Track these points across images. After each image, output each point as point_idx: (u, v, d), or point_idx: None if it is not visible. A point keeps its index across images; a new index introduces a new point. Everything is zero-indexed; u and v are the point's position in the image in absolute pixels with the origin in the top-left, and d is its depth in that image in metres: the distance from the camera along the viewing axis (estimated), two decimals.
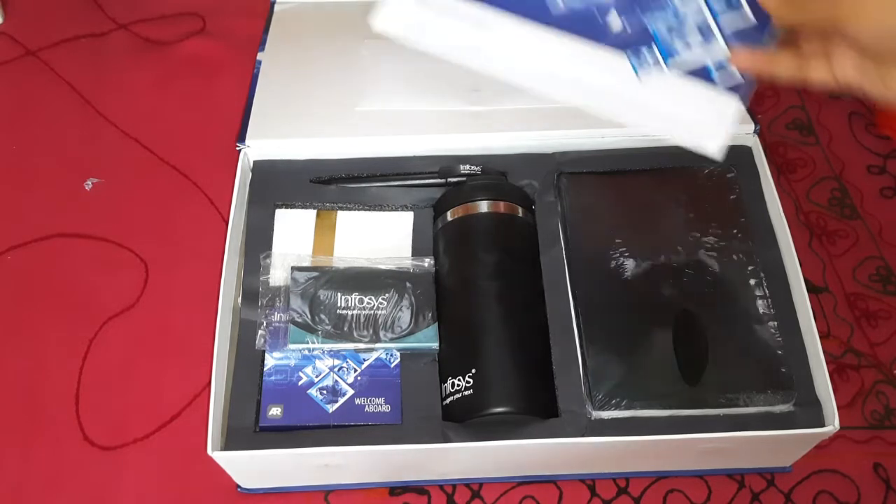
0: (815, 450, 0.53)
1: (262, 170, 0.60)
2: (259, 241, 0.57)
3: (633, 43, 0.42)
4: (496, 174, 0.59)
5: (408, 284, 0.53)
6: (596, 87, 0.43)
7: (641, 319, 0.53)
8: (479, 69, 0.44)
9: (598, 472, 0.56)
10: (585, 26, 0.43)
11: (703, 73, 0.42)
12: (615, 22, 0.42)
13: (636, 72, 0.42)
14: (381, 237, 0.57)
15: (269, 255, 0.55)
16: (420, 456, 0.50)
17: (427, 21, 0.44)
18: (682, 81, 0.43)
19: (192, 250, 0.64)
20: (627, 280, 0.54)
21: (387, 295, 0.53)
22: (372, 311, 0.53)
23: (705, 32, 0.42)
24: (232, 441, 0.49)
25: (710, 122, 0.43)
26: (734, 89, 0.43)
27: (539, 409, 0.50)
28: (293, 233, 0.57)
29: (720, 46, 0.42)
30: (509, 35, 0.43)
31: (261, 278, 0.55)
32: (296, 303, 0.53)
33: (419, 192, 0.59)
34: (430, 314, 0.53)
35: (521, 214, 0.56)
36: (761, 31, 0.42)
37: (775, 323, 0.53)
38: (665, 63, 0.42)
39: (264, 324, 0.53)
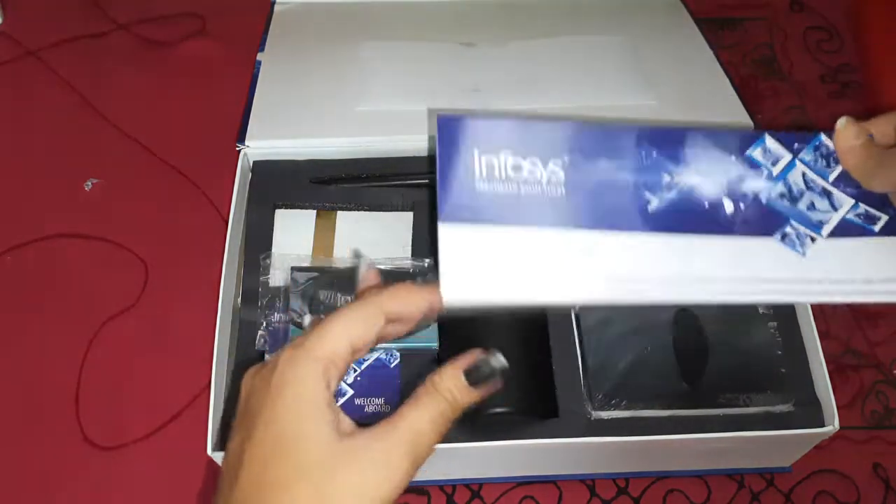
0: (815, 450, 0.53)
1: (262, 170, 0.60)
2: (259, 241, 0.57)
3: (762, 223, 0.36)
4: None
5: None
6: (769, 278, 0.36)
7: (641, 319, 0.53)
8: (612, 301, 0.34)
9: (598, 472, 0.56)
10: (695, 214, 0.36)
11: (851, 227, 0.37)
12: (728, 204, 0.36)
13: (801, 251, 0.36)
14: (381, 237, 0.57)
15: (268, 256, 0.55)
16: None
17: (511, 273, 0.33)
18: (842, 243, 0.37)
19: (192, 250, 0.64)
20: None
21: None
22: None
23: (819, 191, 0.37)
24: None
25: None
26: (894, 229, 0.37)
27: (539, 409, 0.50)
28: (293, 233, 0.57)
29: (844, 198, 0.37)
30: (638, 251, 0.34)
31: (260, 279, 0.55)
32: (296, 303, 0.53)
33: (419, 192, 0.59)
34: None
35: None
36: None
37: (775, 323, 0.53)
38: (818, 233, 0.37)
39: (264, 324, 0.53)
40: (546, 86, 0.65)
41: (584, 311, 0.53)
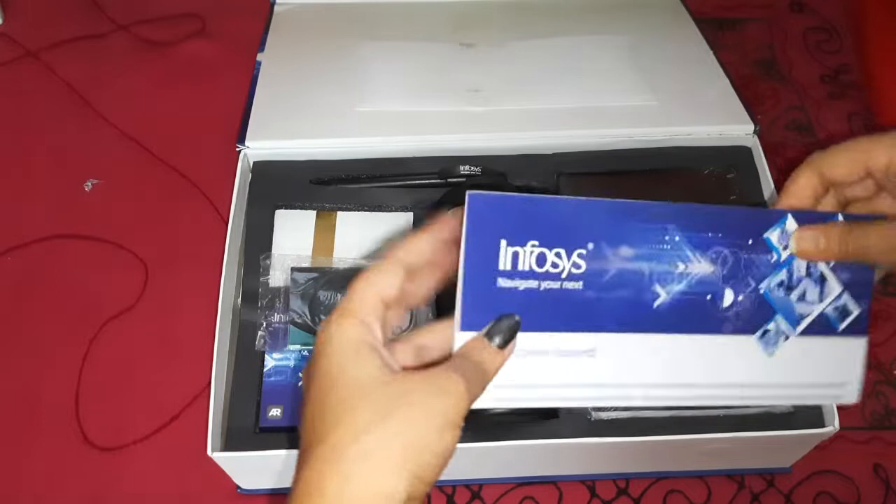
0: (815, 450, 0.53)
1: (262, 170, 0.60)
2: (259, 241, 0.57)
3: (751, 318, 0.38)
4: (496, 175, 0.59)
5: None
6: (739, 382, 0.38)
7: None
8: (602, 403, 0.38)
9: (598, 472, 0.56)
10: (693, 311, 0.37)
11: (822, 323, 0.39)
12: (728, 296, 0.38)
13: (771, 352, 0.39)
14: (381, 237, 0.57)
15: (268, 256, 0.55)
16: None
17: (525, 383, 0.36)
18: (807, 342, 0.39)
19: (192, 251, 0.64)
20: None
21: None
22: None
23: (816, 277, 0.39)
24: (232, 441, 0.49)
25: (840, 374, 0.39)
26: (855, 328, 0.40)
27: (539, 409, 0.50)
28: (293, 233, 0.57)
29: (834, 286, 0.39)
30: (627, 356, 0.37)
31: (260, 279, 0.55)
32: (295, 303, 0.53)
33: (419, 192, 0.59)
34: (428, 314, 0.53)
35: None
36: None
37: None
38: (793, 331, 0.39)
39: (264, 325, 0.53)
40: (546, 86, 0.65)
41: None
